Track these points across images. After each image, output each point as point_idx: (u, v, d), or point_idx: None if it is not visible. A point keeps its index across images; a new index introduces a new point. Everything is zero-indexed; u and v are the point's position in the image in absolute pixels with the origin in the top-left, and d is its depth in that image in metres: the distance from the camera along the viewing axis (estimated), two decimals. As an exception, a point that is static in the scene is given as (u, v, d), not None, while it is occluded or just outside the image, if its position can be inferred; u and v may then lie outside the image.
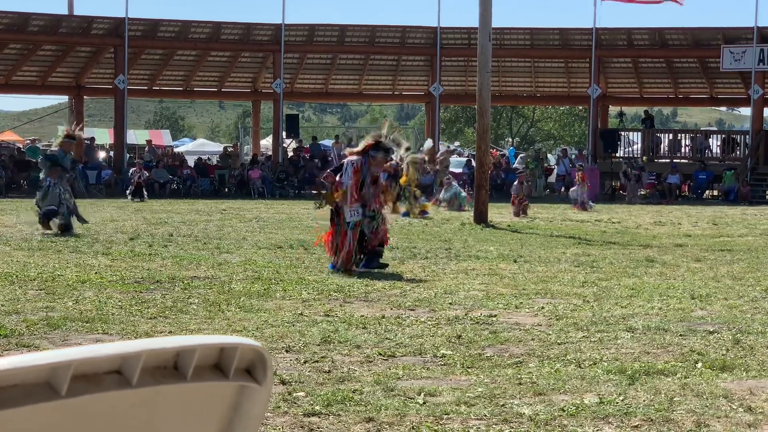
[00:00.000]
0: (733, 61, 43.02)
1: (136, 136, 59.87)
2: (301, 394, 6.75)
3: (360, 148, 15.01)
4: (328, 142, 54.86)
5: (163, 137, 63.87)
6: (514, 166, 35.07)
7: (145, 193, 35.81)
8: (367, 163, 14.69)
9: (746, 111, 52.68)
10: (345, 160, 15.08)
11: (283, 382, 7.07)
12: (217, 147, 64.83)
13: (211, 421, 1.63)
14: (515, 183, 29.18)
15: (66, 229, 19.06)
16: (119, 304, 10.60)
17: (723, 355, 8.13)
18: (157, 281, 12.54)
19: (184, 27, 46.16)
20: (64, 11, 47.51)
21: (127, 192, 35.78)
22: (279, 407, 6.41)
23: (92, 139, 46.44)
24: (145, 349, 1.45)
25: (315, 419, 6.19)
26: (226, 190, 43.63)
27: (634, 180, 39.63)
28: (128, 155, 46.28)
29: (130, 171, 38.48)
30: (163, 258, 15.28)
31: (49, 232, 19.05)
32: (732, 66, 43.41)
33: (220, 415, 1.64)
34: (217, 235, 19.81)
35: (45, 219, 19.30)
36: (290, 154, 46.98)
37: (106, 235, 19.11)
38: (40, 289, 11.70)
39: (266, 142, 54.26)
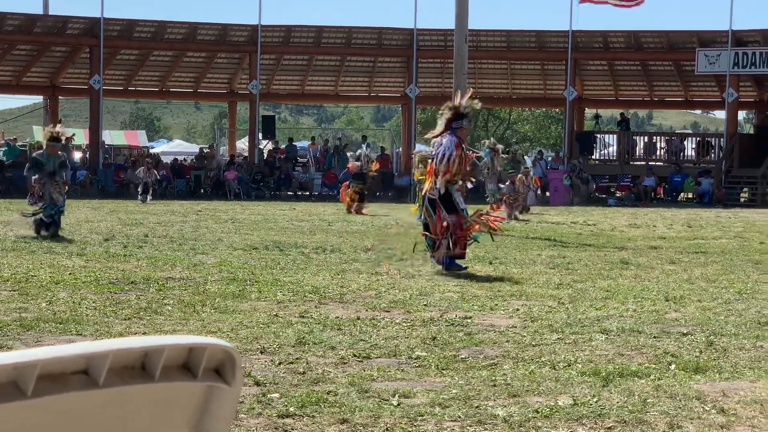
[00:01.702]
0: (707, 64, 43.20)
1: (111, 137, 59.63)
2: (276, 395, 6.73)
3: (442, 126, 14.75)
4: (304, 144, 54.80)
5: (138, 138, 63.61)
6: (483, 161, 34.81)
7: (150, 195, 35.39)
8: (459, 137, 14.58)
9: (721, 114, 52.98)
10: (437, 147, 14.73)
11: (257, 384, 7.05)
12: (193, 148, 64.65)
13: (180, 422, 1.62)
14: (507, 183, 29.01)
15: (53, 232, 18.76)
16: (93, 305, 10.56)
17: (696, 356, 8.16)
18: (132, 282, 12.49)
19: (160, 27, 46.05)
20: (40, 11, 47.39)
21: (139, 194, 35.28)
22: (253, 408, 6.39)
23: (72, 136, 46.23)
24: (111, 349, 1.44)
25: (289, 420, 6.18)
26: (202, 191, 43.57)
27: (581, 183, 39.90)
28: (104, 156, 46.13)
29: (138, 170, 38.10)
30: (137, 259, 15.23)
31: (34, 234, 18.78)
32: (707, 69, 43.59)
33: (188, 416, 1.63)
34: (193, 236, 19.76)
35: (38, 228, 18.94)
36: (266, 155, 46.93)
37: (80, 236, 19.04)
38: (14, 290, 11.64)
39: (242, 144, 54.15)
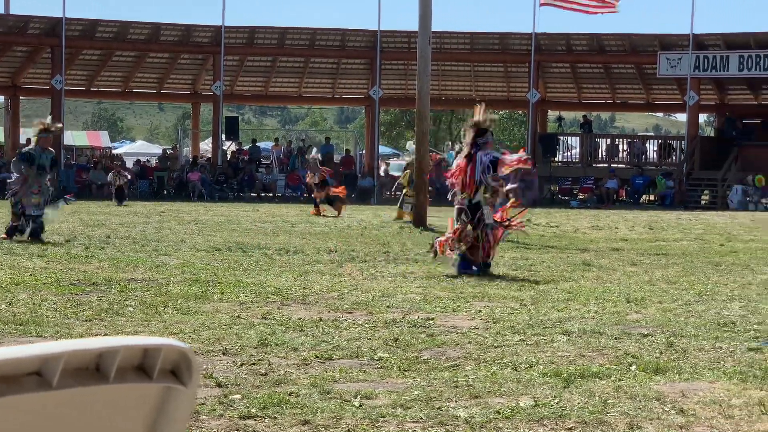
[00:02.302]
0: (669, 67, 43.48)
1: (73, 138, 59.32)
2: (237, 396, 6.72)
3: (468, 145, 15.01)
4: (267, 145, 54.71)
5: (101, 139, 63.31)
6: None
7: (127, 197, 35.01)
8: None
9: (682, 117, 53.27)
10: (478, 158, 14.81)
11: (219, 385, 7.04)
12: (156, 149, 64.43)
13: (136, 423, 1.62)
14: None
15: (34, 235, 18.44)
16: (54, 306, 10.50)
17: (656, 357, 8.21)
18: (94, 283, 12.43)
19: (122, 28, 45.88)
20: (0, 10, 47.02)
21: (113, 197, 34.75)
22: (214, 410, 6.38)
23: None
24: (65, 350, 1.44)
25: (251, 422, 6.17)
26: (165, 192, 43.43)
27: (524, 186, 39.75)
28: (66, 156, 45.87)
29: (109, 175, 37.65)
30: (99, 260, 15.15)
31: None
32: (668, 72, 43.87)
33: (144, 417, 1.62)
34: (155, 237, 19.69)
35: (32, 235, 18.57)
36: (229, 156, 46.82)
37: (42, 237, 18.90)
38: (-26, 292, 11.56)
39: (206, 145, 54.00)
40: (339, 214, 28.94)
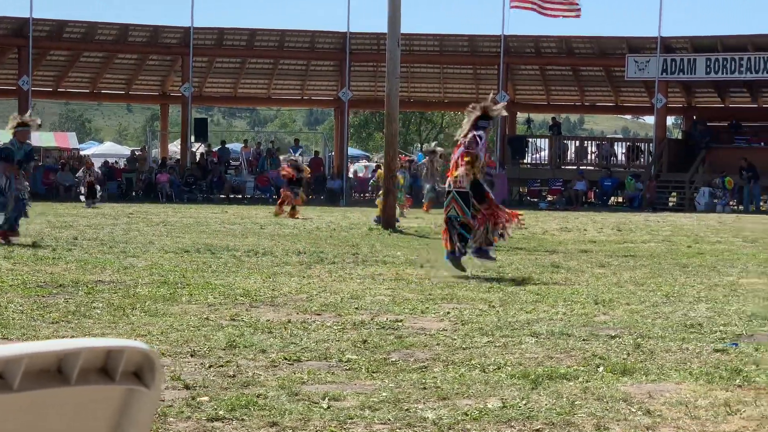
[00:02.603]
0: (637, 70, 43.68)
1: (41, 139, 58.99)
2: (205, 398, 6.70)
3: (469, 124, 14.96)
4: (237, 146, 54.60)
5: (68, 140, 62.97)
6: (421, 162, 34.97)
7: (99, 195, 34.64)
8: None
9: (650, 119, 53.52)
10: (470, 138, 14.82)
11: (186, 387, 7.02)
12: (125, 150, 64.20)
13: (99, 425, 1.61)
14: None
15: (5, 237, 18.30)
16: (20, 308, 10.44)
17: (624, 359, 8.24)
18: (61, 285, 12.37)
19: (90, 28, 45.68)
20: (-32, 11, 46.73)
21: (81, 197, 34.34)
22: (182, 412, 6.36)
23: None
24: (27, 352, 1.43)
25: (218, 424, 6.16)
26: (134, 193, 43.28)
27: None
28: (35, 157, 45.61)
29: (80, 171, 37.24)
30: (67, 262, 15.08)
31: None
32: (636, 75, 44.08)
33: (107, 419, 1.62)
34: (123, 239, 19.62)
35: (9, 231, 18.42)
36: (198, 158, 46.71)
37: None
38: (-60, 293, 11.48)
39: (174, 146, 53.86)
40: (293, 217, 28.82)
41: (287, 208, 29.29)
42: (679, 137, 52.61)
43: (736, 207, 41.83)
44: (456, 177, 14.82)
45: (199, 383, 7.14)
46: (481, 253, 14.77)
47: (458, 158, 14.89)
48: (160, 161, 46.68)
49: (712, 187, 40.64)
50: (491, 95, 15.53)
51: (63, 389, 1.52)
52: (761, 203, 41.18)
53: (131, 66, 48.36)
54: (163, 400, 6.61)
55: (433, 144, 32.10)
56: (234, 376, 7.43)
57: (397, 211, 26.77)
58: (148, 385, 1.61)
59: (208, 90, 50.09)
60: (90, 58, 47.45)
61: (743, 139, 44.36)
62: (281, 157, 46.01)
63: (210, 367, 7.73)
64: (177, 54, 46.32)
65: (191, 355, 8.17)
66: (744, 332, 9.73)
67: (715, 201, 40.27)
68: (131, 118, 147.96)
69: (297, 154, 35.34)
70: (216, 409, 6.43)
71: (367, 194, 44.53)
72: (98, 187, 35.05)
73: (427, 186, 30.52)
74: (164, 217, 27.51)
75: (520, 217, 15.51)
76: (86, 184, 34.78)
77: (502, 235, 15.13)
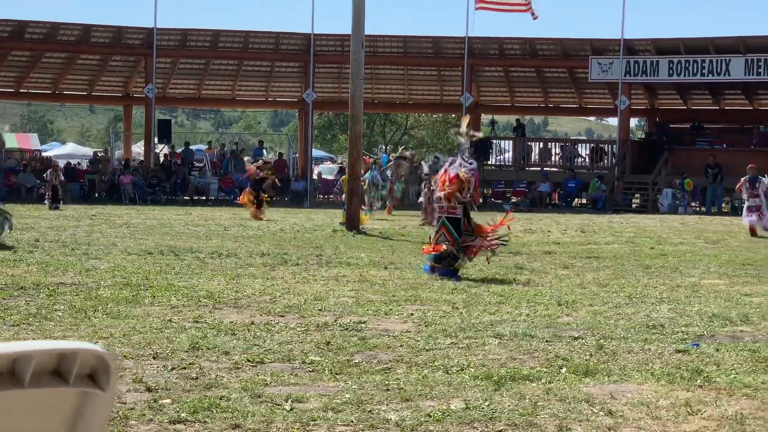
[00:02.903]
0: (600, 72, 43.84)
1: (2, 139, 58.57)
2: (167, 401, 6.68)
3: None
4: (201, 148, 54.40)
5: (30, 141, 62.53)
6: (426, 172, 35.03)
7: (61, 197, 34.32)
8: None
9: (614, 121, 53.75)
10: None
11: (149, 389, 6.99)
12: (88, 151, 63.84)
13: (53, 427, 1.60)
14: (425, 190, 28.91)
15: None
16: (-19, 310, 10.36)
17: (586, 360, 8.27)
18: (22, 288, 12.28)
19: (52, 29, 45.38)
20: (-71, 11, 46.41)
21: (45, 200, 33.96)
22: (144, 415, 6.33)
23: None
24: (-22, 354, 1.42)
25: (180, 426, 6.14)
26: (96, 195, 43.04)
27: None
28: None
29: (47, 173, 36.80)
30: (28, 264, 14.98)
31: None
32: (600, 77, 44.24)
33: (62, 421, 1.61)
34: (86, 240, 19.51)
35: None
36: (162, 159, 46.52)
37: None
38: None
39: (138, 148, 53.60)
40: (256, 218, 28.73)
41: (258, 208, 29.22)
42: (641, 137, 52.84)
43: (698, 208, 42.09)
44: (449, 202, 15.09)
45: (162, 385, 7.11)
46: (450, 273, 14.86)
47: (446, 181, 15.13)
48: (123, 163, 46.45)
49: (673, 189, 40.86)
50: (465, 119, 15.85)
51: (16, 391, 1.50)
52: (723, 205, 41.41)
53: (94, 67, 48.10)
54: (125, 403, 6.59)
55: (401, 149, 32.14)
56: (197, 378, 7.41)
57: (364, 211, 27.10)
58: (102, 388, 1.60)
59: (171, 91, 49.89)
60: (52, 59, 47.15)
61: (705, 140, 44.63)
62: (246, 158, 45.93)
63: (172, 369, 7.71)
64: (140, 55, 46.10)
65: (153, 358, 8.14)
66: (705, 333, 9.80)
67: (677, 202, 40.49)
68: (94, 119, 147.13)
69: (269, 156, 35.44)
70: (178, 411, 6.41)
71: (332, 196, 44.50)
72: (60, 193, 34.71)
73: (396, 188, 30.54)
74: (127, 219, 27.39)
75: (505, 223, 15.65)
76: (50, 187, 34.44)
77: (493, 251, 15.41)
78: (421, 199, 28.93)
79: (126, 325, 9.65)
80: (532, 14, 42.69)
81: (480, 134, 15.88)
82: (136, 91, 48.57)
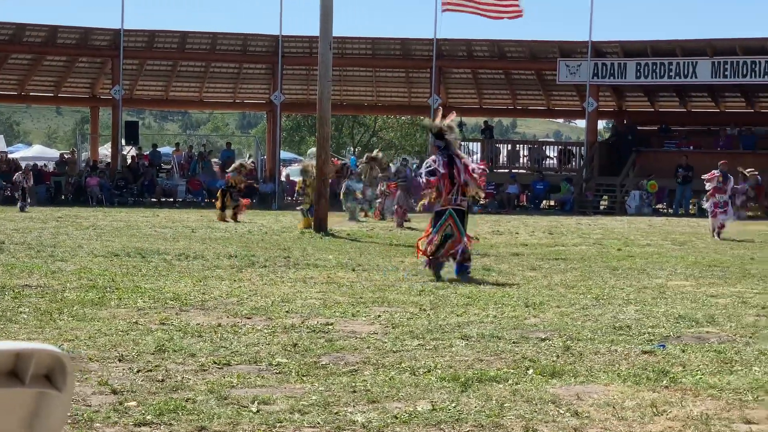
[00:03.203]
0: (568, 74, 44.00)
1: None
2: (133, 403, 6.65)
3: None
4: (168, 150, 54.25)
5: (-4, 143, 62.14)
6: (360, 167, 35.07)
7: (28, 200, 34.09)
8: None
9: (581, 123, 53.94)
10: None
11: (114, 392, 6.96)
12: (54, 153, 63.50)
13: (10, 428, 1.58)
14: (398, 192, 28.92)
15: None
16: (-54, 313, 10.29)
17: (553, 361, 8.29)
18: (-13, 290, 12.20)
19: (18, 30, 45.12)
20: None
21: (19, 203, 33.62)
22: (109, 417, 6.30)
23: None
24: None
25: (146, 429, 6.11)
26: (63, 197, 42.82)
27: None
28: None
29: (17, 175, 36.51)
30: (-7, 266, 14.89)
31: None
32: (568, 79, 44.39)
33: (18, 422, 1.59)
34: (52, 242, 19.40)
35: None
36: (129, 161, 46.35)
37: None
38: None
39: (105, 149, 53.35)
40: (223, 219, 28.80)
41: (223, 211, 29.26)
42: (611, 140, 53.07)
43: (665, 210, 42.30)
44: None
45: (127, 388, 7.08)
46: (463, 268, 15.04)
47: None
48: (90, 164, 46.23)
49: (640, 191, 41.07)
50: (438, 111, 15.97)
51: (-29, 393, 1.49)
52: (690, 206, 41.62)
53: (60, 68, 47.87)
54: (90, 405, 6.55)
55: (376, 151, 32.10)
56: (162, 380, 7.37)
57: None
58: (59, 388, 1.59)
59: (139, 93, 49.71)
60: (18, 60, 46.88)
61: (673, 143, 44.87)
62: (214, 160, 45.85)
63: (138, 371, 7.67)
64: (107, 56, 45.93)
65: (119, 360, 8.10)
66: (671, 334, 9.84)
67: (645, 204, 40.69)
68: (61, 121, 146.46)
69: (249, 161, 35.43)
70: (144, 414, 6.38)
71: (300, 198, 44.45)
72: (28, 195, 34.52)
73: (369, 193, 30.53)
74: (94, 221, 27.26)
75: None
76: (21, 189, 34.24)
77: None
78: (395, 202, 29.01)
79: (92, 327, 9.59)
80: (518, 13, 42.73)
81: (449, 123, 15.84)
82: (103, 92, 48.36)
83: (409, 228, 26.81)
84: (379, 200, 31.57)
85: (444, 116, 15.70)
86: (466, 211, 15.51)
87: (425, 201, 15.62)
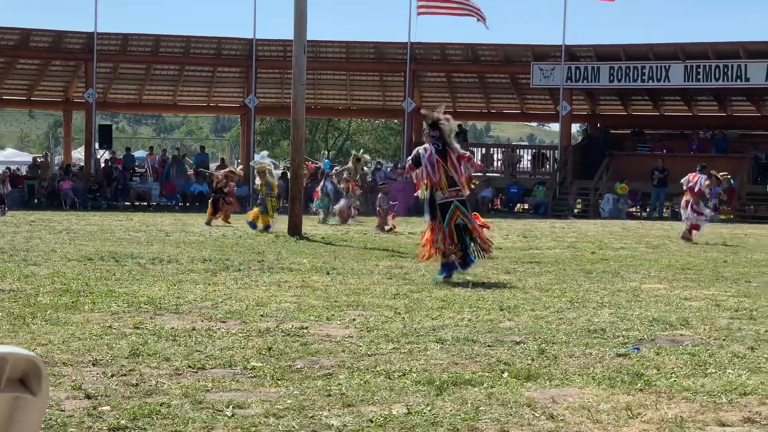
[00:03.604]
0: (542, 77, 44.13)
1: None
2: (107, 408, 6.61)
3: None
4: (142, 154, 54.09)
5: (-31, 146, 61.87)
6: (334, 172, 35.08)
7: (6, 207, 33.89)
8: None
9: (555, 127, 54.10)
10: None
11: (88, 396, 6.92)
12: (27, 157, 63.21)
13: (-16, 434, 1.57)
14: (380, 195, 28.90)
15: None
16: None
17: (528, 364, 8.29)
18: (-41, 294, 12.13)
19: (-9, 34, 44.96)
20: None
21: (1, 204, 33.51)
22: (83, 422, 6.26)
23: None
24: None
25: (120, 434, 6.08)
26: (36, 201, 42.63)
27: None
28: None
29: None
30: (-34, 270, 14.80)
31: None
32: (541, 83, 44.53)
33: (-7, 427, 1.58)
34: (25, 246, 19.30)
35: None
36: (103, 165, 46.19)
37: None
38: None
39: (78, 153, 53.18)
40: (209, 221, 29.05)
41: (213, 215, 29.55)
42: (583, 144, 53.23)
43: (638, 213, 42.47)
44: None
45: (101, 392, 7.04)
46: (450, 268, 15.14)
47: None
48: (63, 168, 46.05)
49: (614, 194, 41.24)
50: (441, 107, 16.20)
51: (-55, 397, 1.47)
52: (664, 210, 41.81)
53: (33, 71, 47.69)
54: (64, 410, 6.52)
55: (361, 151, 32.04)
56: (137, 384, 7.34)
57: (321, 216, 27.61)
58: (34, 393, 1.57)
59: (112, 96, 49.58)
60: (-10, 64, 46.72)
61: (646, 146, 45.08)
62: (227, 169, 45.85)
63: (112, 376, 7.64)
64: (80, 60, 45.79)
65: (93, 364, 8.06)
66: (646, 337, 9.86)
67: (619, 207, 40.83)
68: (33, 125, 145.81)
69: (239, 168, 35.60)
70: (118, 418, 6.35)
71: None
72: (6, 201, 34.39)
73: (380, 196, 30.33)
74: (67, 225, 27.15)
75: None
76: (1, 196, 34.12)
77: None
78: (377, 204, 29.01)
79: (65, 331, 9.54)
80: (479, 18, 42.84)
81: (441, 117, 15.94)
82: (76, 96, 48.20)
83: (395, 233, 26.74)
84: (343, 201, 31.64)
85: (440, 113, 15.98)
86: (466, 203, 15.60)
87: (419, 192, 15.62)
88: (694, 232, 24.72)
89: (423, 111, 16.87)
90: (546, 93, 47.41)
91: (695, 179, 24.99)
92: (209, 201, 30.93)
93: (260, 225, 26.66)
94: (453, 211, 15.26)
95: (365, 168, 34.29)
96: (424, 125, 16.09)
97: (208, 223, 28.76)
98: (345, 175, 30.37)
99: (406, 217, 35.34)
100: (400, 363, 8.28)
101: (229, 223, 29.14)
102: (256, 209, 27.65)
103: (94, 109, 45.47)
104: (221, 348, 8.86)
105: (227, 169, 32.59)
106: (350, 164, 30.40)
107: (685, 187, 25.17)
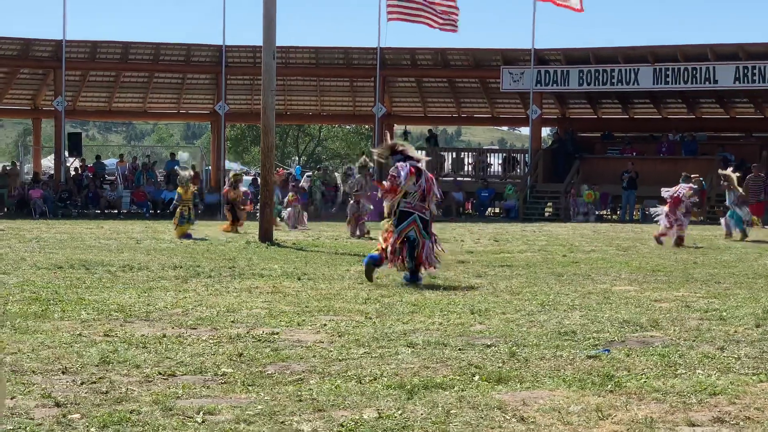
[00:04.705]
0: (512, 81, 44.23)
1: None
2: (77, 416, 6.58)
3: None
4: (112, 161, 53.91)
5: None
6: (301, 185, 35.05)
7: None
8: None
9: (525, 130, 54.24)
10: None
11: (57, 405, 6.88)
12: (-4, 166, 62.88)
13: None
14: (351, 202, 28.84)
15: None
16: None
17: (499, 367, 8.31)
18: (-72, 304, 12.04)
19: (-42, 42, 44.73)
20: None
21: None
22: (53, 430, 6.23)
23: None
24: None
25: (90, 442, 6.05)
26: (5, 209, 42.41)
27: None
28: None
29: None
30: (-66, 280, 14.71)
31: None
32: (511, 87, 44.63)
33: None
34: (-6, 255, 19.20)
35: None
36: (73, 173, 45.99)
37: None
38: None
39: (48, 161, 52.94)
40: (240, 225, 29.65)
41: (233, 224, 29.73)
42: (554, 147, 53.39)
43: (609, 216, 42.62)
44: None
45: (71, 400, 7.01)
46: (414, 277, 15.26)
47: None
48: (32, 176, 45.83)
49: (579, 197, 41.39)
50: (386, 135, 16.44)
51: None
52: (634, 212, 41.98)
53: (1, 79, 47.45)
54: (33, 419, 6.48)
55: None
56: (107, 392, 7.31)
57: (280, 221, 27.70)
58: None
59: (81, 104, 49.39)
60: (-42, 72, 46.48)
61: (616, 149, 45.26)
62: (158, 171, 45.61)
63: (82, 383, 7.60)
64: (49, 67, 45.60)
65: (63, 372, 8.02)
66: (616, 339, 9.90)
67: (589, 211, 40.98)
68: (2, 133, 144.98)
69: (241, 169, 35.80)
70: (88, 426, 6.33)
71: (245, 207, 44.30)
72: None
73: (351, 203, 30.06)
74: (37, 233, 27.01)
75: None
76: None
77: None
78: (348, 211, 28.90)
79: (35, 340, 9.49)
80: (447, 26, 42.97)
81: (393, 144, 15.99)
82: (45, 104, 48.01)
83: (369, 238, 26.66)
84: (290, 209, 31.72)
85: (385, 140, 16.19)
86: (429, 220, 15.53)
87: (388, 203, 15.67)
88: (662, 237, 24.72)
89: (372, 150, 17.03)
90: (516, 97, 47.53)
91: (678, 189, 25.00)
92: (226, 211, 31.02)
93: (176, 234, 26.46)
94: (410, 222, 15.31)
95: (336, 174, 34.34)
96: (386, 160, 16.14)
97: (235, 231, 28.84)
98: (357, 189, 30.17)
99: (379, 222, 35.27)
100: (371, 367, 8.28)
101: (238, 232, 29.20)
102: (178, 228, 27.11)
103: (64, 117, 45.30)
104: (192, 354, 8.84)
105: (231, 177, 32.54)
106: (358, 175, 30.04)
107: (668, 198, 25.04)
